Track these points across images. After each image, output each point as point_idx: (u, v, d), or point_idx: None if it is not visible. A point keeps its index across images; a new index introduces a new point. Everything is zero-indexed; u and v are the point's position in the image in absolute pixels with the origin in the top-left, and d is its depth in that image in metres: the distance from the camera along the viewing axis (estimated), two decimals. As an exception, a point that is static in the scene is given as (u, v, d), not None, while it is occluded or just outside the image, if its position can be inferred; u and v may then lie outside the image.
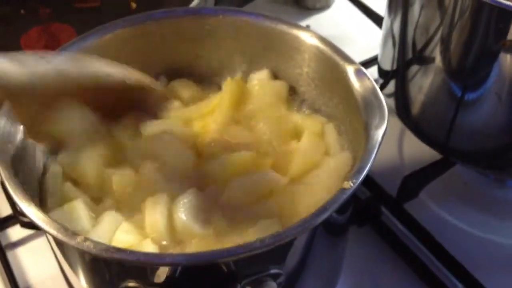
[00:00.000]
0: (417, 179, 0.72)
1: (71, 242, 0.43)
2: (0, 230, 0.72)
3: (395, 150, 0.81)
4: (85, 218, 0.52)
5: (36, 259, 0.69)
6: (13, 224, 0.72)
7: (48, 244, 0.70)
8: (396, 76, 0.73)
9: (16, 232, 0.72)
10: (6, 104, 0.51)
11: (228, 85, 0.63)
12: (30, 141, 0.54)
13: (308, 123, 0.61)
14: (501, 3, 0.55)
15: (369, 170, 0.73)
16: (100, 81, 0.54)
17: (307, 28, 0.61)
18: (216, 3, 0.97)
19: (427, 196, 0.74)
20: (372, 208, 0.72)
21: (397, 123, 0.76)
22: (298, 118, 0.62)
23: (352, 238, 0.69)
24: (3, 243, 0.70)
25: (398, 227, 0.71)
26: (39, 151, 0.56)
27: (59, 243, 0.50)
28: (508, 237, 0.71)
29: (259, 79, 0.65)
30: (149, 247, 0.49)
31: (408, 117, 0.73)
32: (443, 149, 0.71)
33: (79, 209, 0.52)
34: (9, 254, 0.70)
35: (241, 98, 0.63)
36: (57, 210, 0.52)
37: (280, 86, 0.64)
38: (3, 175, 0.48)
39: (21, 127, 0.53)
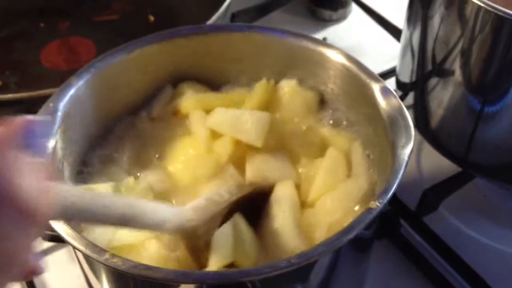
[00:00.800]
0: (436, 193, 0.72)
1: (100, 258, 0.43)
2: (21, 242, 0.72)
3: (414, 163, 0.80)
4: None
5: (58, 272, 0.69)
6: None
7: (69, 256, 0.71)
8: (415, 88, 0.73)
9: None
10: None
11: (260, 86, 0.64)
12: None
13: (336, 140, 0.61)
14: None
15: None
16: None
17: (332, 45, 0.61)
18: (232, 18, 0.98)
19: (446, 209, 0.74)
20: (391, 221, 0.71)
21: (416, 136, 0.75)
22: (326, 132, 0.62)
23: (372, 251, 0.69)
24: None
25: (417, 240, 0.71)
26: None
27: (91, 263, 0.50)
28: (527, 250, 0.71)
29: (289, 86, 0.65)
30: (153, 246, 0.51)
31: (427, 129, 0.73)
32: (462, 162, 0.70)
33: None
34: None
35: (270, 101, 0.63)
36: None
37: (311, 95, 0.64)
38: None
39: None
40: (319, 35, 1.01)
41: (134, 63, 0.62)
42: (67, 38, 0.94)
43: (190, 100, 0.63)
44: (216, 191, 0.56)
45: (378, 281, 0.68)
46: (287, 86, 0.64)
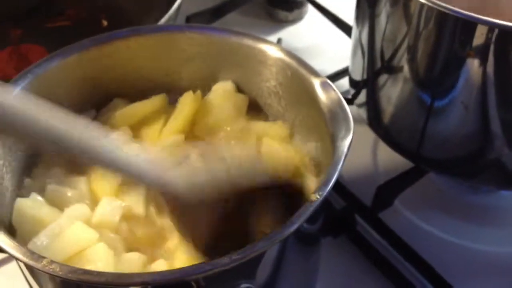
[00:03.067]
0: (390, 188, 0.72)
1: (37, 265, 0.42)
2: (-28, 255, 0.71)
3: (369, 160, 0.81)
4: None
5: (8, 283, 0.68)
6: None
7: (18, 270, 0.70)
8: (366, 86, 0.74)
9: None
10: None
11: (185, 98, 0.63)
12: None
13: (272, 130, 0.61)
14: (463, 14, 0.56)
15: (344, 180, 0.75)
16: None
17: (272, 42, 0.61)
18: (187, 20, 0.97)
19: (401, 205, 0.75)
20: (347, 218, 0.72)
21: (371, 133, 0.76)
22: (261, 126, 0.62)
23: (328, 249, 0.69)
24: (-24, 268, 0.70)
25: (373, 236, 0.71)
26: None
27: (29, 268, 0.49)
28: (483, 243, 0.71)
29: (221, 90, 0.64)
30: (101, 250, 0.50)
31: (380, 126, 0.73)
32: (414, 157, 0.71)
33: None
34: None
35: (198, 112, 0.63)
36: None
37: (241, 99, 0.64)
38: None
39: None
40: (275, 36, 1.02)
41: (71, 68, 0.61)
42: (18, 46, 0.92)
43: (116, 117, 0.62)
44: (225, 165, 0.50)
45: (335, 278, 0.68)
46: (217, 91, 0.64)
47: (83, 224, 0.52)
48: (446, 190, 0.77)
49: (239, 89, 0.65)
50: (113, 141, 0.45)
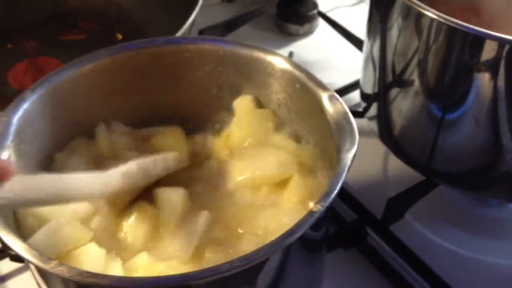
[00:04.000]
0: (401, 201, 0.73)
1: (46, 266, 0.44)
2: (-11, 263, 0.72)
3: (380, 172, 0.82)
4: None
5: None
6: (1, 258, 0.72)
7: (33, 279, 0.71)
8: (377, 99, 0.75)
9: (6, 265, 0.72)
10: None
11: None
12: None
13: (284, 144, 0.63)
14: (473, 29, 0.57)
15: (354, 192, 0.76)
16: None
17: (282, 55, 0.62)
18: (199, 34, 0.99)
19: (412, 217, 0.75)
20: (358, 230, 0.72)
21: (382, 145, 0.77)
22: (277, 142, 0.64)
23: (339, 261, 0.70)
24: (-7, 277, 0.71)
25: (384, 248, 0.72)
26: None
27: (41, 273, 0.50)
28: (492, 255, 0.72)
29: (244, 106, 0.66)
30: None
31: (390, 139, 0.74)
32: (425, 170, 0.71)
33: None
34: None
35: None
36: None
37: (266, 113, 0.65)
38: None
39: None
40: (286, 50, 1.03)
41: (86, 78, 0.62)
42: (35, 58, 0.94)
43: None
44: (152, 159, 0.59)
45: (346, 290, 0.69)
46: (241, 106, 0.66)
47: (78, 222, 0.54)
48: (456, 203, 0.78)
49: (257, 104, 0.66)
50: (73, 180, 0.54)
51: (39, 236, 0.52)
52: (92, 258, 0.51)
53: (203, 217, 0.56)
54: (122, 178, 0.56)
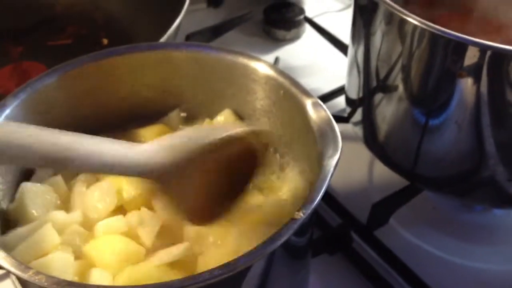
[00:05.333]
0: (386, 206, 0.73)
1: (24, 275, 0.43)
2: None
3: (365, 177, 0.82)
4: None
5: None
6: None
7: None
8: (362, 104, 0.75)
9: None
10: None
11: None
12: None
13: None
14: (455, 36, 0.57)
15: (339, 197, 0.76)
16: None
17: (266, 61, 0.62)
18: (187, 39, 0.99)
19: (397, 222, 0.75)
20: (343, 235, 0.72)
21: (367, 151, 0.77)
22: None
23: (324, 266, 0.70)
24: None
25: (369, 253, 0.72)
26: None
27: (21, 281, 0.49)
28: (476, 260, 0.72)
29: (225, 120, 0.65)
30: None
31: (375, 144, 0.74)
32: (409, 175, 0.72)
33: None
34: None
35: None
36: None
37: None
38: None
39: None
40: (272, 55, 1.03)
41: (70, 83, 0.61)
42: (20, 63, 0.94)
43: None
44: (189, 133, 0.52)
45: (331, 296, 0.69)
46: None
47: (51, 228, 0.53)
48: (440, 208, 0.78)
49: (238, 113, 0.66)
50: (98, 144, 0.47)
51: (9, 236, 0.52)
52: (61, 265, 0.50)
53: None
54: (154, 153, 0.48)
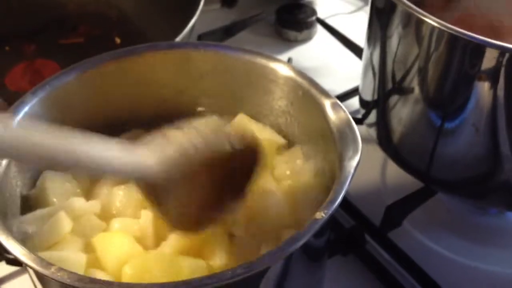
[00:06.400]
0: (399, 208, 0.73)
1: (45, 271, 0.44)
2: (-16, 267, 0.71)
3: (378, 179, 0.82)
4: None
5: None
6: (-2, 261, 0.72)
7: (30, 284, 0.70)
8: (377, 106, 0.75)
9: (1, 269, 0.71)
10: None
11: None
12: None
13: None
14: (474, 37, 0.57)
15: (353, 199, 0.76)
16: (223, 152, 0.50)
17: (285, 61, 0.62)
18: (198, 39, 0.99)
19: (410, 224, 0.75)
20: (356, 237, 0.72)
21: (380, 153, 0.77)
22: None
23: (337, 267, 0.70)
24: (-12, 280, 0.70)
25: (382, 255, 0.72)
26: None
27: (40, 278, 0.50)
28: (490, 263, 0.72)
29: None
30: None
31: (390, 146, 0.74)
32: (424, 178, 0.72)
33: None
34: (-6, 291, 0.69)
35: None
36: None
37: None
38: None
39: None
40: (284, 56, 1.03)
41: (88, 81, 0.62)
42: (33, 61, 0.94)
43: None
44: (191, 138, 0.50)
45: (344, 297, 0.69)
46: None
47: (64, 215, 0.54)
48: (454, 210, 0.78)
49: (251, 108, 0.66)
50: (88, 145, 0.47)
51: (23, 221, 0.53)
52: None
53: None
54: (156, 157, 0.47)
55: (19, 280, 0.71)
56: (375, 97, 0.74)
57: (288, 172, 0.61)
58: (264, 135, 0.64)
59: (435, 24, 0.60)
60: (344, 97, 0.91)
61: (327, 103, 0.57)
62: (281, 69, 0.62)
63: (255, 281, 0.47)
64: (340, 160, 0.52)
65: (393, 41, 0.67)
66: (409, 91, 0.68)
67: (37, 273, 0.49)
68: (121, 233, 0.55)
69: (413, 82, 0.66)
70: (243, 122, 0.65)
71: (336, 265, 0.70)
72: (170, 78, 0.65)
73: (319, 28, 1.08)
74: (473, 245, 0.74)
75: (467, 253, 0.73)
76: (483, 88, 0.60)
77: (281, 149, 0.64)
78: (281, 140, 0.64)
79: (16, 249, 0.46)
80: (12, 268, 0.71)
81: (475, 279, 0.71)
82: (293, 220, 0.57)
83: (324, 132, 0.56)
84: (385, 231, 0.72)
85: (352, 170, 0.50)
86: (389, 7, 0.66)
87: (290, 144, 0.65)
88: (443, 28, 0.59)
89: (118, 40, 0.98)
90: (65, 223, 0.54)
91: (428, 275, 0.69)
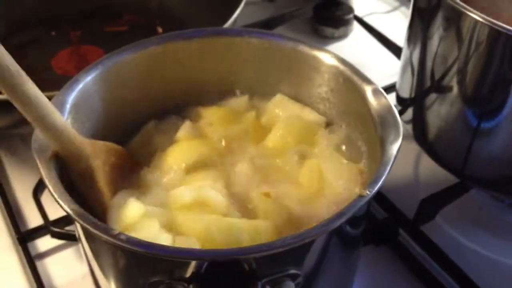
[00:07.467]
0: (434, 202, 0.74)
1: (105, 236, 0.45)
2: (29, 240, 0.74)
3: (411, 174, 0.83)
4: None
5: (65, 269, 0.72)
6: (43, 235, 0.74)
7: (76, 255, 0.73)
8: (414, 103, 0.76)
9: (45, 243, 0.74)
10: None
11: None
12: None
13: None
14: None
15: (386, 192, 0.77)
16: None
17: (328, 50, 0.64)
18: (240, 30, 1.01)
19: (443, 219, 0.77)
20: (389, 229, 0.74)
21: (414, 148, 0.79)
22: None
23: (369, 256, 0.72)
24: (32, 254, 0.73)
25: (414, 248, 0.73)
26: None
27: (91, 242, 0.52)
28: (521, 260, 0.73)
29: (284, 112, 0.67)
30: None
31: (426, 142, 0.76)
32: (459, 174, 0.73)
33: None
34: (38, 264, 0.72)
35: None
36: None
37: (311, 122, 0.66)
38: (42, 173, 0.50)
39: None
40: (321, 52, 1.05)
41: (138, 63, 0.64)
42: (78, 46, 0.97)
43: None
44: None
45: (374, 285, 0.70)
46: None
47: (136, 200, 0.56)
48: (486, 208, 0.79)
49: (291, 95, 0.68)
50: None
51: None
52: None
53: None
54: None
55: (64, 253, 0.73)
56: (413, 94, 0.76)
57: (327, 152, 0.63)
58: (304, 114, 0.66)
59: (479, 19, 0.60)
60: (380, 93, 0.93)
61: (368, 90, 0.59)
62: (324, 57, 0.63)
63: (301, 253, 0.49)
64: (382, 145, 0.53)
65: (434, 42, 0.69)
66: (447, 89, 0.69)
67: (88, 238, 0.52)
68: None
69: (452, 81, 0.68)
70: (282, 102, 0.67)
71: (368, 254, 0.72)
72: (213, 64, 0.67)
73: (356, 25, 1.10)
74: (502, 241, 0.75)
75: (498, 249, 0.74)
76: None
77: (320, 129, 0.66)
78: (321, 119, 0.66)
79: (73, 210, 0.47)
80: (57, 242, 0.74)
81: (504, 275, 0.72)
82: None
83: (364, 117, 0.58)
84: (419, 224, 0.74)
85: (394, 153, 0.51)
86: (433, 4, 0.67)
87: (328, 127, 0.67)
88: (486, 22, 0.60)
89: (160, 29, 1.00)
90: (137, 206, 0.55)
91: (460, 268, 0.70)
